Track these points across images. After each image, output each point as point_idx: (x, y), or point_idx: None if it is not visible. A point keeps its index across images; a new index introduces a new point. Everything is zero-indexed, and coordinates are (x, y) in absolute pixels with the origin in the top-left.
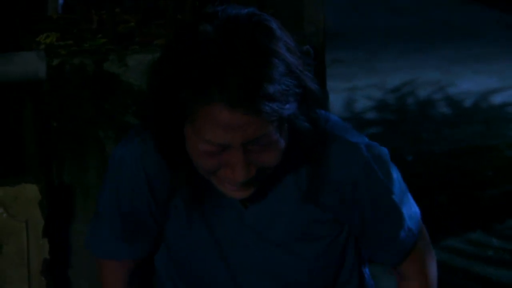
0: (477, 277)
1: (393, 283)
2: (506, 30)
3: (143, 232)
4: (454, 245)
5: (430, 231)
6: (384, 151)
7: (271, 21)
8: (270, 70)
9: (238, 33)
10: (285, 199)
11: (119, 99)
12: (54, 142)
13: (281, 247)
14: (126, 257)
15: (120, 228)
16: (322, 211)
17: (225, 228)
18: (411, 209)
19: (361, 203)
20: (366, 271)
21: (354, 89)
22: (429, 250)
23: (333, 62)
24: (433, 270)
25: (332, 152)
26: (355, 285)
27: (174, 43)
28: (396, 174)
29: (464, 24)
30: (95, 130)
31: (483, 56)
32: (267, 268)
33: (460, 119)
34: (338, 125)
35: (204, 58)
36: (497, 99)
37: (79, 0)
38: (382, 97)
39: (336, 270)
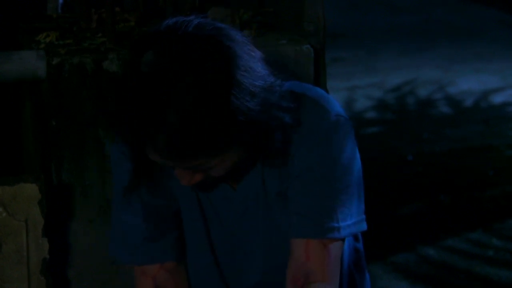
0: (477, 277)
1: (393, 283)
2: (506, 29)
3: (165, 224)
4: (454, 245)
5: (430, 231)
6: (351, 130)
7: (223, 53)
8: (198, 127)
9: (176, 83)
10: (270, 174)
11: None
12: (53, 141)
13: (266, 225)
14: (146, 261)
15: (142, 219)
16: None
17: (214, 208)
18: (350, 203)
19: (303, 160)
20: (367, 276)
21: (354, 88)
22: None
23: (333, 61)
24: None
25: (305, 113)
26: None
27: (124, 71)
28: (351, 156)
29: (464, 23)
30: (94, 129)
31: (484, 55)
32: (253, 249)
33: (460, 118)
34: (316, 91)
35: (138, 109)
36: (497, 98)
37: None
38: (382, 97)
39: None
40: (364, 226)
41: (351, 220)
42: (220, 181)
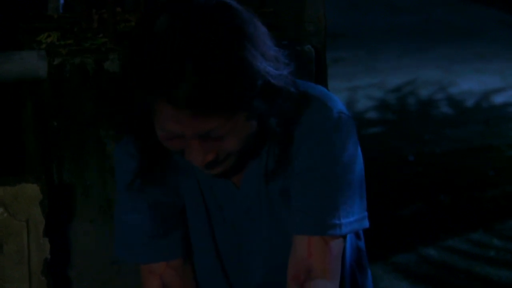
0: (478, 278)
1: (393, 283)
2: (506, 29)
3: (170, 222)
4: (455, 245)
5: (430, 231)
6: (353, 128)
7: (235, 14)
8: (213, 76)
9: (190, 34)
10: (273, 172)
11: None
12: (54, 141)
13: (269, 224)
14: (152, 259)
15: (147, 217)
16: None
17: (218, 207)
18: (352, 200)
19: (303, 159)
20: (369, 275)
21: (355, 89)
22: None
23: (333, 61)
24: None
25: (308, 111)
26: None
27: (134, 35)
28: (353, 153)
29: (464, 23)
30: (95, 129)
31: (484, 55)
32: (255, 249)
33: (461, 118)
34: (318, 89)
35: (154, 60)
36: (498, 98)
37: None
38: (383, 97)
39: None
40: (366, 224)
41: (353, 217)
42: (229, 163)
